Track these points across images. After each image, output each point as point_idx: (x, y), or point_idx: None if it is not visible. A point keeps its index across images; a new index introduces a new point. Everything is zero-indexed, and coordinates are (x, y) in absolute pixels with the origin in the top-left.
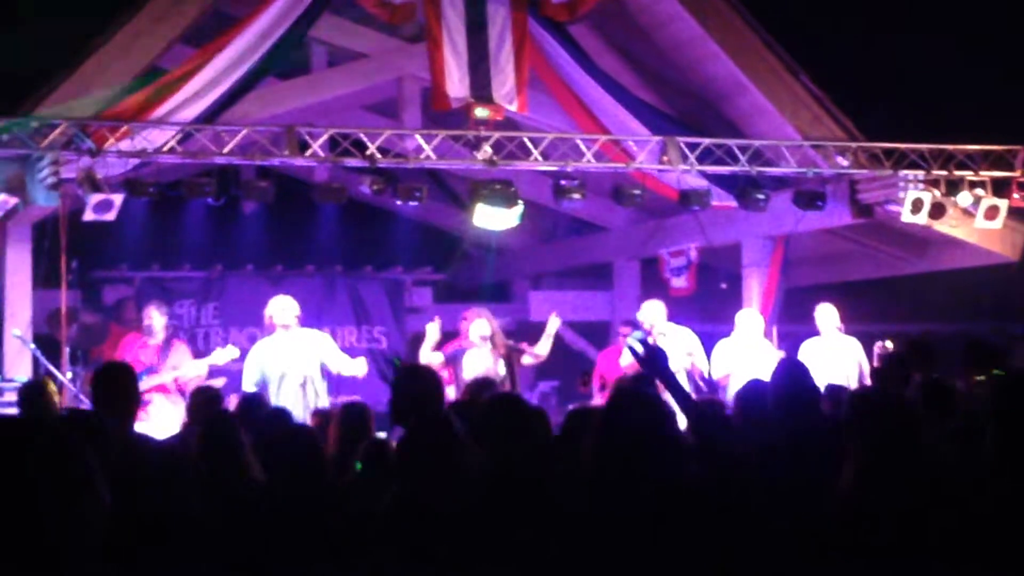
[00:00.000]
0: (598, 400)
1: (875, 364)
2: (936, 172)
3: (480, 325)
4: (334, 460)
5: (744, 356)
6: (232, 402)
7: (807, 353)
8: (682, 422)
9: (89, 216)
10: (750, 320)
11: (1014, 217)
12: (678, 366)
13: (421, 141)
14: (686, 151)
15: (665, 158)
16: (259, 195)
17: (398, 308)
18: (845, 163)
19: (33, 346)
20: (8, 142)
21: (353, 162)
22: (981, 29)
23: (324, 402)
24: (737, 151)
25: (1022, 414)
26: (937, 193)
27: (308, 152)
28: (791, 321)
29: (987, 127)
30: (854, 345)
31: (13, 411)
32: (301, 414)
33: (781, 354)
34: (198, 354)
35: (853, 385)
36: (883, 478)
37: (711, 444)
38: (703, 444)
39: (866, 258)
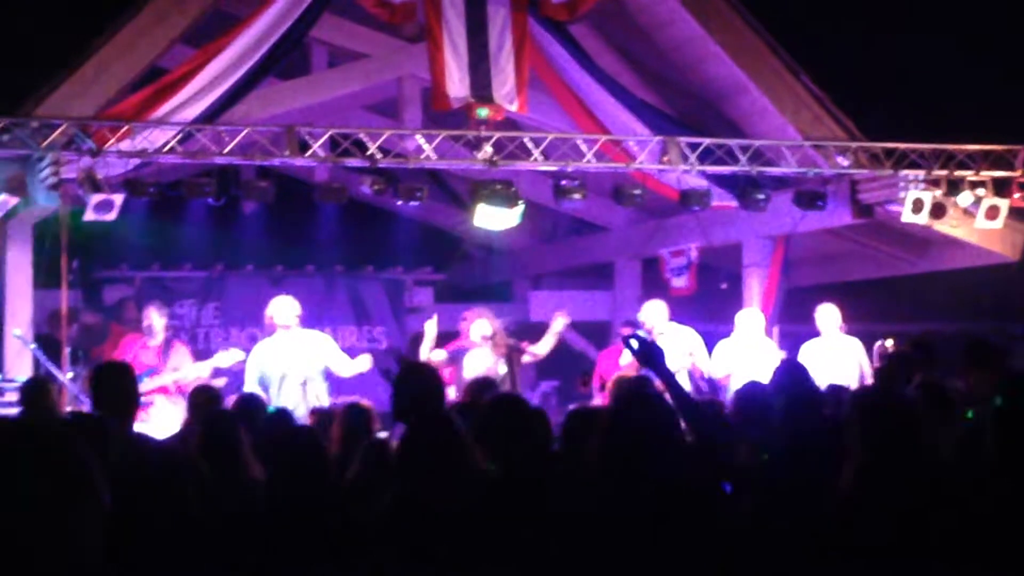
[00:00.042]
0: (598, 400)
1: (875, 364)
2: (937, 172)
3: (481, 325)
4: (337, 460)
5: (745, 356)
6: (231, 402)
7: (808, 354)
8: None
9: (90, 216)
10: (750, 320)
11: (1014, 217)
12: (679, 366)
13: (422, 141)
14: (687, 151)
15: (666, 158)
16: (259, 195)
17: (398, 308)
18: (846, 163)
19: (34, 346)
20: (9, 142)
21: (353, 162)
22: (981, 29)
23: (325, 403)
24: (737, 151)
25: (1022, 414)
26: (938, 193)
27: (308, 152)
28: (791, 321)
29: (988, 127)
30: (855, 345)
31: (14, 411)
32: (302, 415)
33: (782, 354)
34: (198, 354)
35: (854, 385)
36: (883, 478)
37: (710, 444)
38: (701, 444)
39: (866, 258)
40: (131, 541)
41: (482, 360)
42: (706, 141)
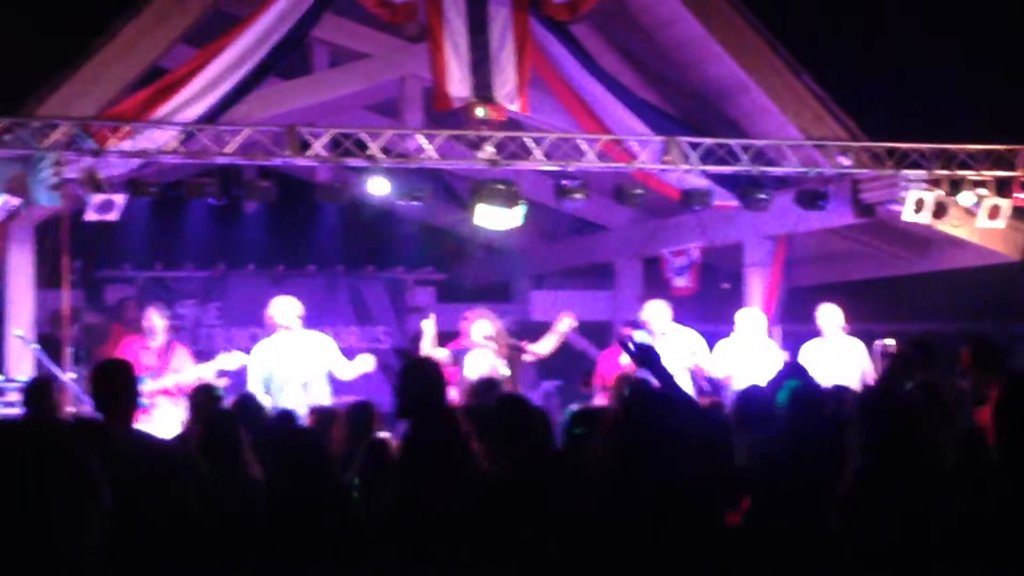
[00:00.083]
0: (599, 400)
1: (877, 364)
2: (938, 172)
3: (482, 325)
4: (340, 459)
5: (746, 356)
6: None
7: (809, 354)
8: None
9: (91, 216)
10: (751, 320)
11: (1016, 217)
12: (682, 366)
13: (423, 141)
14: (688, 151)
15: (667, 158)
16: (261, 195)
17: (400, 308)
18: (847, 163)
19: (35, 346)
20: (10, 142)
21: (355, 162)
22: (982, 29)
23: (326, 403)
24: (739, 151)
25: (1022, 414)
26: (939, 193)
27: (310, 152)
28: (792, 321)
29: (989, 127)
30: (857, 345)
31: (16, 411)
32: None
33: (784, 354)
34: (199, 354)
35: (855, 385)
36: (883, 478)
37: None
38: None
39: (868, 258)
40: (131, 541)
41: (483, 360)
42: (707, 141)
